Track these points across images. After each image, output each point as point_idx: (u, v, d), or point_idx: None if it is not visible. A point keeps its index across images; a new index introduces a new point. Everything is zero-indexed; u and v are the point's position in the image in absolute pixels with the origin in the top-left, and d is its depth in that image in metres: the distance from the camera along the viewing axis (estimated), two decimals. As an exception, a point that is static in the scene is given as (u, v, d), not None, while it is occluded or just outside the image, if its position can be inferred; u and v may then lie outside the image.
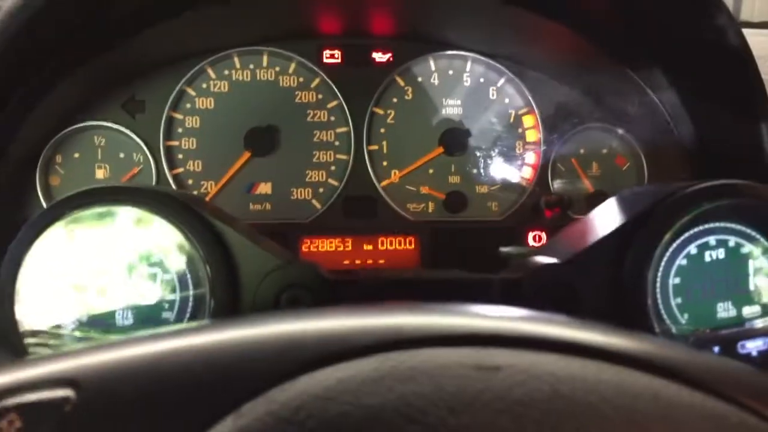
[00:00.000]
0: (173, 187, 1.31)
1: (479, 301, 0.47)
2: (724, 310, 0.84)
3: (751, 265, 0.86)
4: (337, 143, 1.36)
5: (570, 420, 0.35)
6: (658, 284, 0.82)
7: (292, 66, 1.35)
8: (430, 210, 1.37)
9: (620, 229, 0.81)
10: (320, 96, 1.35)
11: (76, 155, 1.30)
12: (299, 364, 0.37)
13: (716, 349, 0.82)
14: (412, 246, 1.34)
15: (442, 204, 1.37)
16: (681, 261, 0.84)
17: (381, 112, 1.37)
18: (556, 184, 1.38)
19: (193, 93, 1.33)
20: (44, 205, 1.26)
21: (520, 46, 1.36)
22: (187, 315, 0.81)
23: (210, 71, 1.33)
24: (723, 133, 1.14)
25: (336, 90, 1.35)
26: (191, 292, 0.81)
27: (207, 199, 1.31)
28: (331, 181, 1.35)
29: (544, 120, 1.38)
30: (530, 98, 1.38)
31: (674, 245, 0.83)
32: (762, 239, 0.86)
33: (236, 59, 1.34)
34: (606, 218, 0.85)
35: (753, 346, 0.82)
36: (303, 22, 1.32)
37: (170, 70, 1.31)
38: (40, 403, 0.37)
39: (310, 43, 1.35)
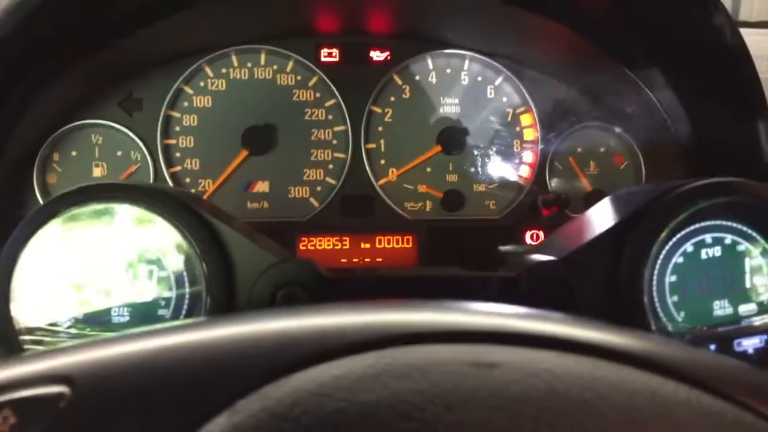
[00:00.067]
0: (170, 185, 1.31)
1: (476, 299, 0.47)
2: (721, 308, 0.84)
3: (748, 263, 0.86)
4: (334, 142, 1.36)
5: (566, 417, 0.35)
6: (654, 282, 0.82)
7: (290, 64, 1.35)
8: (427, 209, 1.37)
9: (616, 226, 0.82)
10: (318, 94, 1.35)
11: (74, 153, 1.29)
12: (294, 360, 0.37)
13: (712, 346, 0.82)
14: (410, 245, 1.34)
15: (440, 203, 1.37)
16: (677, 259, 0.84)
17: (379, 110, 1.36)
18: (554, 183, 1.38)
19: (190, 91, 1.32)
20: (41, 203, 1.26)
21: (518, 45, 1.36)
22: (183, 312, 0.81)
23: (207, 69, 1.33)
24: (720, 132, 1.14)
25: (334, 88, 1.34)
26: (187, 290, 0.81)
27: (204, 197, 1.31)
28: (328, 179, 1.35)
29: (542, 119, 1.38)
30: (528, 97, 1.38)
31: (670, 243, 0.83)
32: (758, 237, 0.86)
33: (234, 57, 1.34)
34: (602, 216, 0.85)
35: (749, 344, 0.82)
36: (301, 20, 1.32)
37: (168, 68, 1.31)
38: (35, 400, 0.37)
39: (308, 42, 1.34)
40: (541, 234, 1.36)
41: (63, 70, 1.13)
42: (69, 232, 0.80)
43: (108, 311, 0.80)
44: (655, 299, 0.82)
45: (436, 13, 1.29)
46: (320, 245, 1.33)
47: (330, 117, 1.36)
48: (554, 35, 1.24)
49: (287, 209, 1.34)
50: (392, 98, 1.37)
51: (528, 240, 1.36)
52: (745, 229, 0.86)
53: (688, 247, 0.84)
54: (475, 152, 1.38)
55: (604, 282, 0.80)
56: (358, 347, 0.38)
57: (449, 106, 1.38)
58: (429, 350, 0.38)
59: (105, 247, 0.81)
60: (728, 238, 0.85)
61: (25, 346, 0.76)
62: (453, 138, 1.36)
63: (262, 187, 1.34)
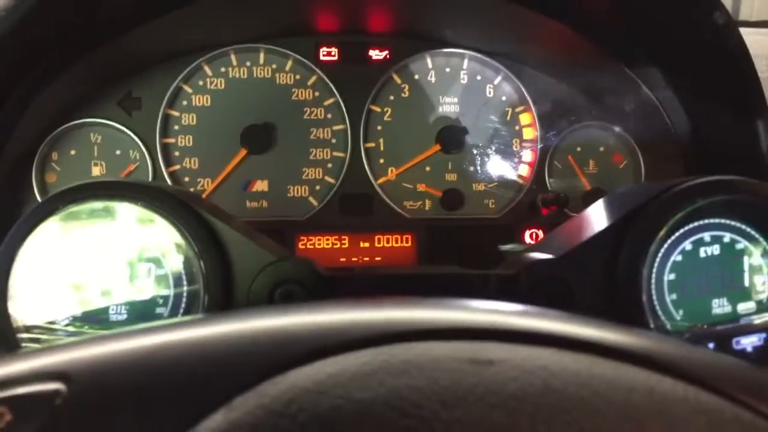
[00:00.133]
0: (169, 184, 1.31)
1: (475, 297, 0.47)
2: (719, 307, 0.84)
3: (746, 261, 0.86)
4: (333, 141, 1.36)
5: (563, 414, 0.35)
6: (653, 280, 0.82)
7: (289, 63, 1.35)
8: (426, 208, 1.37)
9: (615, 225, 0.81)
10: (317, 93, 1.35)
11: (73, 152, 1.29)
12: (291, 357, 0.37)
13: (711, 345, 0.81)
14: (409, 244, 1.34)
15: (439, 202, 1.37)
16: (676, 257, 0.84)
17: (378, 109, 1.36)
18: (553, 182, 1.38)
19: (189, 90, 1.32)
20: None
21: (518, 44, 1.36)
22: (181, 311, 0.81)
23: (206, 68, 1.33)
24: (720, 131, 1.14)
25: (333, 87, 1.34)
26: (185, 288, 0.81)
27: (203, 196, 1.31)
28: (327, 178, 1.35)
29: (541, 118, 1.38)
30: (527, 96, 1.38)
31: (669, 241, 0.83)
32: (757, 235, 0.86)
33: (233, 56, 1.33)
34: (601, 214, 0.85)
35: (748, 342, 0.82)
36: (300, 19, 1.32)
37: (166, 67, 1.31)
38: (31, 397, 0.37)
39: (307, 41, 1.34)
40: (541, 233, 1.36)
41: (62, 69, 1.13)
42: (67, 230, 0.80)
43: (106, 309, 0.80)
44: (654, 297, 0.82)
45: (435, 12, 1.29)
46: (319, 244, 1.33)
47: (329, 116, 1.36)
48: (554, 34, 1.24)
49: (286, 208, 1.34)
50: (391, 97, 1.37)
51: (527, 239, 1.37)
52: (743, 227, 0.86)
53: (687, 245, 0.84)
54: (474, 151, 1.38)
55: (603, 280, 0.80)
56: (355, 344, 0.38)
57: (448, 105, 1.38)
58: (426, 347, 0.38)
59: (103, 246, 0.81)
60: (727, 237, 0.85)
61: (23, 344, 0.76)
62: (452, 137, 1.36)
63: (261, 186, 1.34)
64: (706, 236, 0.85)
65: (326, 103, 1.35)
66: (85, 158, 1.30)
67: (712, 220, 0.85)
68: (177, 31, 1.24)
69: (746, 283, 0.85)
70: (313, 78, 1.35)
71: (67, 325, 0.79)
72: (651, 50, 1.16)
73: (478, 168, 1.38)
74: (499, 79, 1.39)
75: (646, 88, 1.24)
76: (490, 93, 1.39)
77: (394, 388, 0.35)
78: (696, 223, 0.84)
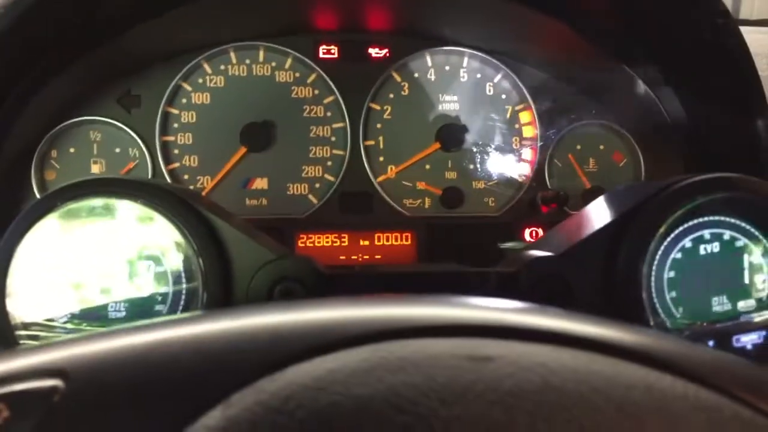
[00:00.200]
0: (169, 182, 1.31)
1: (474, 295, 0.47)
2: (719, 304, 0.84)
3: (746, 259, 0.85)
4: (333, 139, 1.36)
5: (562, 411, 0.35)
6: (652, 278, 0.82)
7: (289, 61, 1.35)
8: (426, 206, 1.37)
9: (614, 222, 0.81)
10: (316, 91, 1.35)
11: (72, 150, 1.29)
12: (289, 354, 0.37)
13: (711, 342, 0.81)
14: (409, 242, 1.34)
15: (439, 200, 1.36)
16: (676, 254, 0.84)
17: (377, 107, 1.36)
18: (553, 180, 1.38)
19: (189, 88, 1.32)
20: (39, 199, 1.26)
21: (518, 43, 1.36)
22: (180, 308, 0.81)
23: (206, 66, 1.33)
24: (720, 130, 1.14)
25: (332, 85, 1.34)
26: (184, 286, 0.81)
27: (203, 194, 1.31)
28: (327, 176, 1.35)
29: (541, 116, 1.38)
30: (527, 94, 1.38)
31: (669, 239, 0.83)
32: (757, 233, 0.86)
33: (232, 54, 1.33)
34: (601, 212, 0.85)
35: (748, 340, 0.81)
36: (300, 17, 1.32)
37: (166, 65, 1.31)
38: (29, 393, 0.36)
39: (307, 39, 1.34)
40: (541, 231, 1.36)
41: (61, 67, 1.13)
42: (66, 228, 0.80)
43: (105, 307, 0.80)
44: (654, 295, 0.82)
45: (435, 10, 1.29)
46: (319, 242, 1.33)
47: (329, 114, 1.35)
48: (554, 32, 1.24)
49: (286, 206, 1.34)
50: (391, 95, 1.37)
51: (527, 237, 1.36)
52: (743, 225, 0.85)
53: (687, 242, 0.84)
54: (474, 149, 1.38)
55: (603, 278, 0.80)
56: (353, 341, 0.38)
57: (448, 104, 1.38)
58: (424, 344, 0.38)
59: (102, 244, 0.81)
60: (727, 234, 0.85)
61: (21, 341, 0.76)
62: (452, 135, 1.36)
63: (260, 184, 1.34)
64: (706, 234, 0.85)
65: (326, 101, 1.35)
66: (84, 156, 1.30)
67: (711, 218, 0.85)
68: (176, 29, 1.24)
69: (746, 281, 0.85)
70: (313, 76, 1.35)
71: (65, 322, 0.79)
72: (651, 49, 1.16)
73: (478, 166, 1.38)
74: (499, 77, 1.39)
75: (646, 86, 1.24)
76: (489, 91, 1.39)
77: (392, 384, 0.35)
78: (696, 221, 0.84)
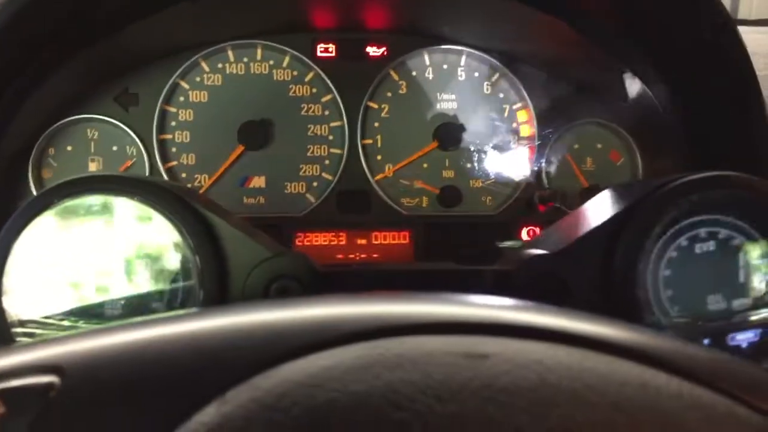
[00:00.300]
0: (166, 180, 1.31)
1: (471, 293, 0.47)
2: (715, 302, 0.84)
3: (742, 257, 0.86)
4: (331, 137, 1.36)
5: (557, 408, 0.35)
6: (648, 276, 0.82)
7: (286, 60, 1.35)
8: (424, 204, 1.37)
9: (611, 221, 0.82)
10: (314, 90, 1.35)
11: (69, 148, 1.29)
12: (285, 351, 0.37)
13: (706, 341, 0.81)
14: (406, 240, 1.34)
15: (436, 198, 1.36)
16: (671, 253, 0.84)
17: (375, 106, 1.36)
18: (550, 179, 1.38)
19: (186, 86, 1.32)
20: (36, 197, 1.25)
21: (515, 41, 1.36)
22: (177, 306, 0.81)
23: (204, 64, 1.33)
24: (718, 129, 1.14)
25: (330, 84, 1.34)
26: (181, 283, 0.81)
27: (200, 192, 1.31)
28: (324, 175, 1.35)
29: (539, 115, 1.38)
30: (525, 93, 1.38)
31: (665, 237, 0.83)
32: (753, 232, 0.86)
33: (230, 52, 1.33)
34: (597, 211, 0.85)
35: (743, 338, 0.82)
36: (297, 15, 1.32)
37: (164, 63, 1.31)
38: (25, 389, 0.37)
39: (305, 37, 1.34)
40: (538, 230, 1.36)
41: (59, 65, 1.12)
42: (63, 226, 0.80)
43: (101, 304, 0.80)
44: (650, 293, 0.82)
45: (433, 8, 1.29)
46: (316, 241, 1.33)
47: (326, 112, 1.35)
48: (552, 31, 1.24)
49: (283, 204, 1.34)
50: (389, 94, 1.37)
51: (525, 236, 1.37)
52: (739, 223, 0.85)
53: (683, 241, 0.84)
54: (472, 148, 1.38)
55: (599, 276, 0.80)
56: (349, 338, 0.38)
57: (446, 102, 1.38)
58: (420, 341, 0.38)
59: (99, 242, 0.81)
60: (723, 233, 0.85)
61: (17, 339, 0.76)
62: (449, 134, 1.36)
63: (258, 182, 1.34)
64: (702, 232, 0.85)
65: (323, 99, 1.35)
66: (81, 154, 1.30)
67: (707, 217, 0.85)
68: (174, 28, 1.24)
69: (741, 280, 0.85)
70: (311, 74, 1.35)
71: (62, 319, 0.78)
72: (649, 48, 1.16)
73: (476, 165, 1.38)
74: (496, 76, 1.39)
75: (643, 85, 1.24)
76: (487, 90, 1.39)
77: (388, 381, 0.35)
78: (691, 219, 0.84)
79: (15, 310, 0.77)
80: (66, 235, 0.80)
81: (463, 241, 1.34)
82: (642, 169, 1.39)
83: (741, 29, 1.01)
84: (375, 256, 1.33)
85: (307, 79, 1.35)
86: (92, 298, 0.80)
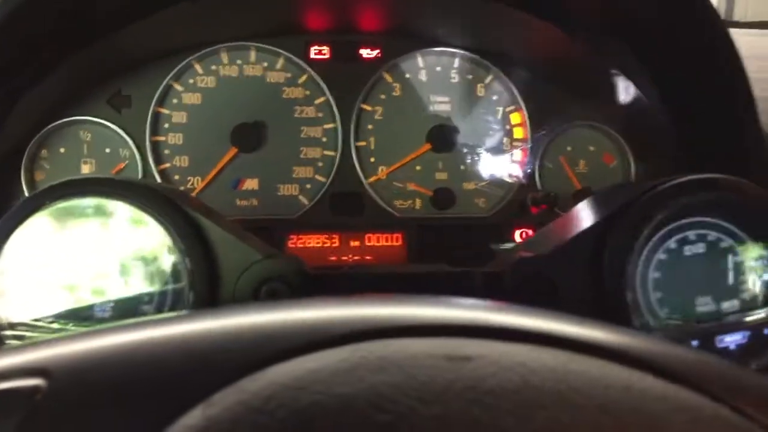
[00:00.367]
0: (159, 182, 1.31)
1: (460, 295, 0.47)
2: (704, 305, 0.84)
3: (731, 259, 0.86)
4: (324, 139, 1.36)
5: (541, 410, 0.35)
6: (637, 278, 0.82)
7: (280, 62, 1.35)
8: (417, 207, 1.37)
9: (600, 223, 0.82)
10: (308, 92, 1.35)
11: (62, 150, 1.29)
12: (270, 354, 0.37)
13: (695, 342, 0.82)
14: (399, 242, 1.34)
15: (430, 201, 1.37)
16: (660, 255, 0.84)
17: (369, 108, 1.37)
18: (543, 181, 1.38)
19: (179, 88, 1.32)
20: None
21: (509, 44, 1.36)
22: (167, 308, 0.81)
23: (197, 66, 1.33)
24: (710, 132, 1.15)
25: (324, 86, 1.35)
26: (171, 286, 0.81)
27: (193, 194, 1.31)
28: (318, 177, 1.35)
29: (532, 117, 1.38)
30: (518, 96, 1.38)
31: (654, 239, 0.84)
32: (742, 234, 0.86)
33: (223, 54, 1.33)
34: (587, 213, 0.86)
35: (731, 340, 0.82)
36: (291, 17, 1.32)
37: (157, 65, 1.31)
38: (11, 392, 0.37)
39: (298, 39, 1.34)
40: (531, 232, 1.36)
41: (51, 67, 1.12)
42: (53, 229, 0.80)
43: (91, 307, 0.80)
44: (639, 295, 0.82)
45: (426, 11, 1.29)
46: (309, 243, 1.33)
47: (320, 114, 1.36)
48: (545, 35, 1.25)
49: (277, 207, 1.34)
50: (382, 96, 1.37)
51: (518, 238, 1.37)
52: (728, 225, 0.86)
53: (672, 243, 0.85)
54: (465, 150, 1.38)
55: (588, 278, 0.81)
56: (334, 341, 0.38)
57: (439, 104, 1.38)
58: (404, 343, 0.38)
59: (89, 244, 0.81)
60: (711, 235, 0.86)
61: (6, 341, 0.76)
62: (443, 136, 1.36)
63: (251, 184, 1.34)
64: (691, 235, 0.85)
65: (317, 101, 1.35)
66: (74, 156, 1.29)
67: (696, 219, 0.85)
68: (167, 29, 1.24)
69: (730, 282, 0.86)
70: (304, 76, 1.35)
71: (51, 322, 0.78)
72: (640, 51, 1.17)
73: (469, 167, 1.39)
74: (489, 78, 1.39)
75: (636, 88, 1.24)
76: (481, 92, 1.39)
77: (372, 384, 0.35)
78: (680, 222, 0.85)
79: (5, 313, 0.77)
80: (57, 237, 0.80)
81: (457, 243, 1.34)
82: (635, 172, 1.39)
83: (734, 31, 1.02)
84: (368, 258, 1.34)
85: (300, 81, 1.35)
86: (83, 300, 0.80)
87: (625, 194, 0.84)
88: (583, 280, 0.81)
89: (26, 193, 1.26)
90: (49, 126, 1.27)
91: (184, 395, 0.35)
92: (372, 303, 0.44)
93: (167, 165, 1.32)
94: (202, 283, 0.79)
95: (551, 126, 1.38)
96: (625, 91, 1.26)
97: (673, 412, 0.37)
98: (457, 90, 1.39)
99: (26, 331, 0.77)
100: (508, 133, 1.40)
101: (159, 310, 0.81)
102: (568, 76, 1.37)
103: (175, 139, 1.32)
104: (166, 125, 1.32)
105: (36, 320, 0.78)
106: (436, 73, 1.39)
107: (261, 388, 0.35)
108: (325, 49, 1.35)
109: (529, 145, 1.38)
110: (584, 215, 0.86)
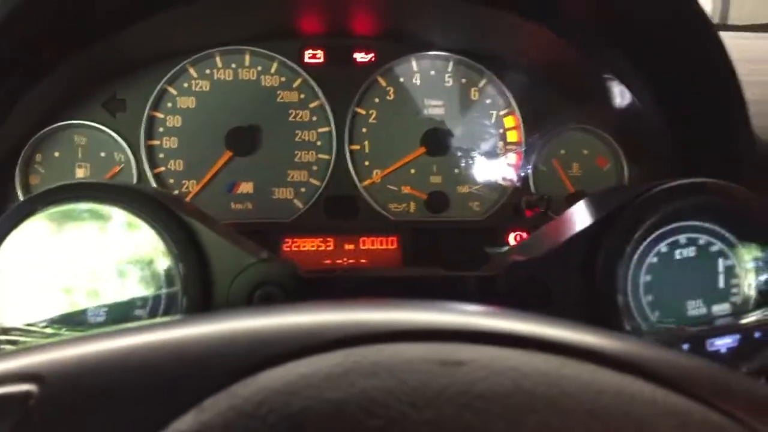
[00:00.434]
0: (154, 186, 1.31)
1: (454, 299, 0.47)
2: (695, 308, 0.85)
3: (721, 263, 0.86)
4: (318, 143, 1.36)
5: (532, 414, 0.35)
6: (629, 282, 0.82)
7: (274, 65, 1.35)
8: (411, 210, 1.38)
9: (592, 227, 0.82)
10: (302, 96, 1.35)
11: (57, 154, 1.29)
12: (262, 359, 0.37)
13: (686, 346, 0.82)
14: (394, 246, 1.35)
15: (424, 204, 1.37)
16: (652, 259, 0.84)
17: (363, 112, 1.37)
18: (537, 185, 1.39)
19: (174, 92, 1.32)
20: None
21: (503, 48, 1.37)
22: (160, 313, 0.81)
23: (191, 70, 1.33)
24: (703, 135, 1.15)
25: (318, 90, 1.35)
26: (164, 290, 0.81)
27: (188, 198, 1.31)
28: (312, 180, 1.35)
29: (526, 121, 1.39)
30: (512, 99, 1.39)
31: (645, 243, 0.84)
32: (732, 238, 0.87)
33: (218, 58, 1.33)
34: (580, 217, 0.86)
35: (722, 344, 0.82)
36: (285, 21, 1.32)
37: (151, 69, 1.31)
38: (3, 398, 0.37)
39: (292, 43, 1.35)
40: (525, 235, 1.37)
41: (46, 71, 1.12)
42: (47, 233, 0.80)
43: (84, 311, 0.80)
44: (630, 299, 0.83)
45: (420, 14, 1.30)
46: (304, 246, 1.33)
47: (314, 118, 1.36)
48: (539, 38, 1.25)
49: (271, 210, 1.34)
50: (376, 100, 1.37)
51: (512, 241, 1.37)
52: (719, 229, 0.86)
53: (663, 247, 0.85)
54: (459, 154, 1.39)
55: (580, 281, 0.81)
56: (327, 345, 0.38)
57: (433, 108, 1.38)
58: (396, 349, 0.38)
59: (83, 249, 0.81)
60: (702, 239, 0.86)
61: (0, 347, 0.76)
62: (437, 140, 1.37)
63: (246, 188, 1.34)
64: (682, 238, 0.86)
65: (311, 105, 1.36)
66: (69, 160, 1.29)
67: (687, 223, 0.85)
68: (162, 33, 1.24)
69: (721, 285, 0.86)
70: (298, 80, 1.35)
71: (45, 327, 0.78)
72: (633, 54, 1.17)
73: (463, 170, 1.39)
74: (484, 82, 1.39)
75: (629, 92, 1.25)
76: (474, 96, 1.40)
77: (364, 389, 0.35)
78: (672, 226, 0.85)
79: (-1, 318, 0.77)
80: (51, 241, 0.80)
81: (451, 246, 1.34)
82: (628, 175, 1.39)
83: (727, 34, 1.02)
84: (363, 261, 1.34)
85: (294, 85, 1.35)
86: (76, 305, 0.79)
87: (617, 198, 0.85)
88: (576, 283, 0.81)
89: (21, 197, 1.25)
90: (44, 130, 1.26)
91: (176, 400, 0.35)
92: (365, 308, 0.44)
93: (162, 169, 1.32)
94: (195, 288, 0.79)
95: (545, 129, 1.39)
96: (619, 94, 1.27)
97: (663, 416, 0.37)
98: (451, 94, 1.39)
99: (19, 336, 0.77)
100: (502, 137, 1.40)
101: (153, 315, 0.81)
102: (562, 79, 1.37)
103: (169, 142, 1.32)
104: (161, 129, 1.32)
105: (29, 325, 0.78)
106: (430, 77, 1.39)
107: (253, 393, 0.35)
108: (320, 53, 1.35)
109: (523, 149, 1.39)
110: (576, 219, 0.86)
